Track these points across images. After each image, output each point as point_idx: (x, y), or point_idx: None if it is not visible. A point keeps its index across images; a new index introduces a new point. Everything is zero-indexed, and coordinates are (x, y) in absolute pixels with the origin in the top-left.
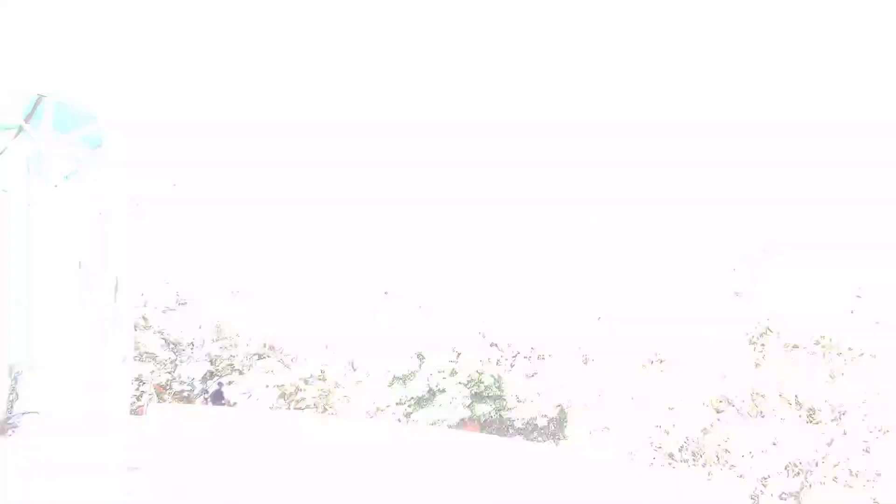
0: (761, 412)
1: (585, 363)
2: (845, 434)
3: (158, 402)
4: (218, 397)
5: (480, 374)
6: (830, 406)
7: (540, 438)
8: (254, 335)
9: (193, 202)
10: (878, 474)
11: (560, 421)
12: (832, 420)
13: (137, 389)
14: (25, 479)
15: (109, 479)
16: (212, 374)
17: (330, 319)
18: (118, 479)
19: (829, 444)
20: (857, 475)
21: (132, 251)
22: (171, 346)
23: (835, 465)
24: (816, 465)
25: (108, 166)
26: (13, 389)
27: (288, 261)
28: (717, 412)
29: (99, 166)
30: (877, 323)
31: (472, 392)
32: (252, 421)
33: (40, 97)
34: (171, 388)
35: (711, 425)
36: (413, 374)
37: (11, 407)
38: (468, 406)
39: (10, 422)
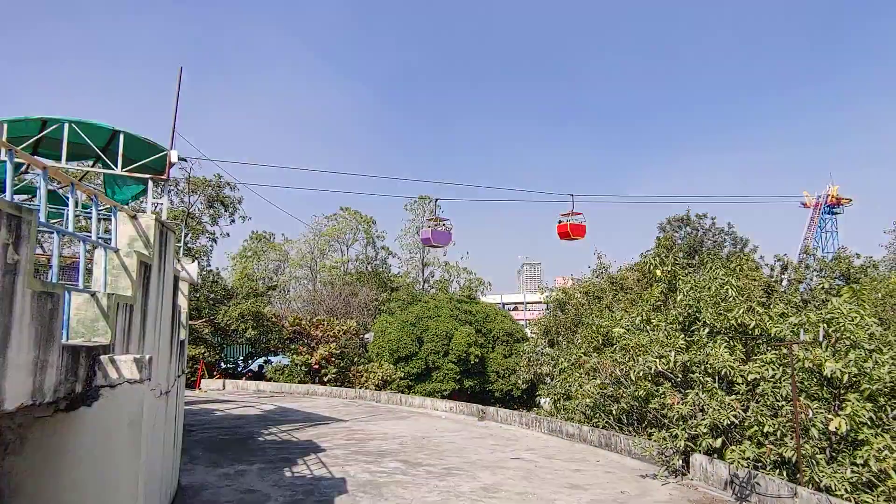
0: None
1: (552, 345)
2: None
3: (208, 377)
4: (258, 373)
5: (468, 354)
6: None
7: (516, 406)
8: (285, 324)
9: None
10: (784, 435)
11: (531, 392)
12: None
13: (192, 367)
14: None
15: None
16: (252, 355)
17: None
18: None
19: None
20: (767, 435)
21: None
22: (219, 332)
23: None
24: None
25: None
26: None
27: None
28: (656, 385)
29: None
30: None
31: (462, 369)
32: (290, 387)
33: (116, 131)
34: (219, 367)
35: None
36: (414, 354)
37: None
38: (458, 381)
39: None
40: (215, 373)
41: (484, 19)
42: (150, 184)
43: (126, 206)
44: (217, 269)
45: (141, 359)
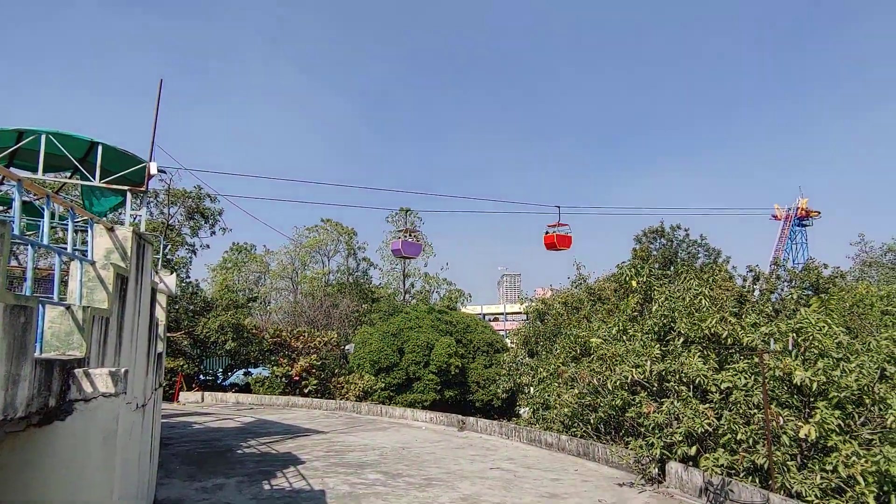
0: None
1: (532, 355)
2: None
3: (187, 390)
4: (238, 385)
5: (449, 364)
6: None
7: (496, 416)
8: (265, 335)
9: None
10: (756, 442)
11: (511, 402)
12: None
13: (170, 380)
14: None
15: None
16: (231, 367)
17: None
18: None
19: (718, 419)
20: (740, 443)
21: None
22: (198, 344)
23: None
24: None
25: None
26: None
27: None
28: (633, 394)
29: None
30: None
31: (442, 380)
32: (271, 399)
33: (94, 143)
34: (197, 379)
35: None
36: (395, 365)
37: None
38: (439, 391)
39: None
40: (194, 385)
41: (468, 34)
42: (129, 195)
43: (103, 218)
44: (196, 280)
45: (116, 372)
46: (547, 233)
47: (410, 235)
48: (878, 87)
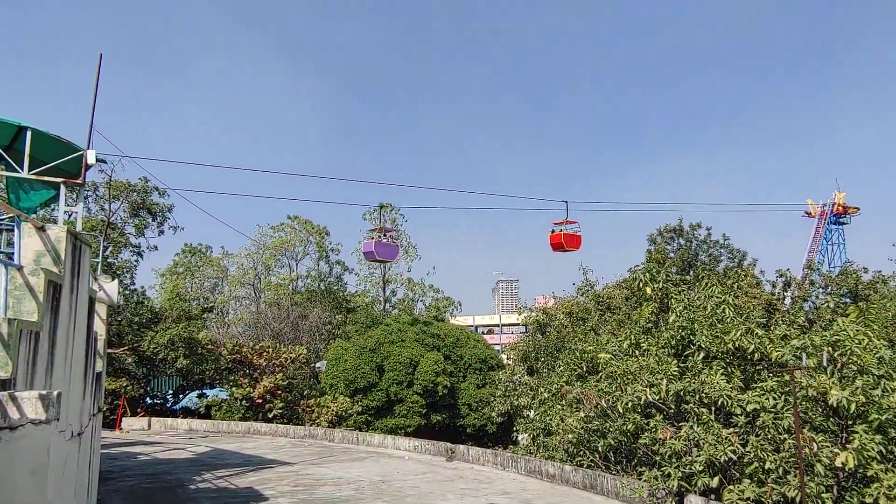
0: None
1: (532, 373)
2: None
3: (131, 415)
4: (189, 410)
5: (436, 384)
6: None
7: (490, 443)
8: (223, 351)
9: None
10: (787, 472)
11: (508, 427)
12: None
13: (111, 403)
14: None
15: None
16: (183, 388)
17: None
18: None
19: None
20: (768, 473)
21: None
22: (144, 362)
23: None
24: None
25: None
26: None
27: None
28: (647, 417)
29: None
30: None
31: (428, 402)
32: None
33: (22, 128)
34: (143, 403)
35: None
36: (374, 385)
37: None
38: (424, 415)
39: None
40: (140, 410)
41: (466, 13)
42: (63, 189)
43: (32, 216)
44: (143, 288)
45: (48, 395)
46: (553, 231)
47: (385, 235)
48: None
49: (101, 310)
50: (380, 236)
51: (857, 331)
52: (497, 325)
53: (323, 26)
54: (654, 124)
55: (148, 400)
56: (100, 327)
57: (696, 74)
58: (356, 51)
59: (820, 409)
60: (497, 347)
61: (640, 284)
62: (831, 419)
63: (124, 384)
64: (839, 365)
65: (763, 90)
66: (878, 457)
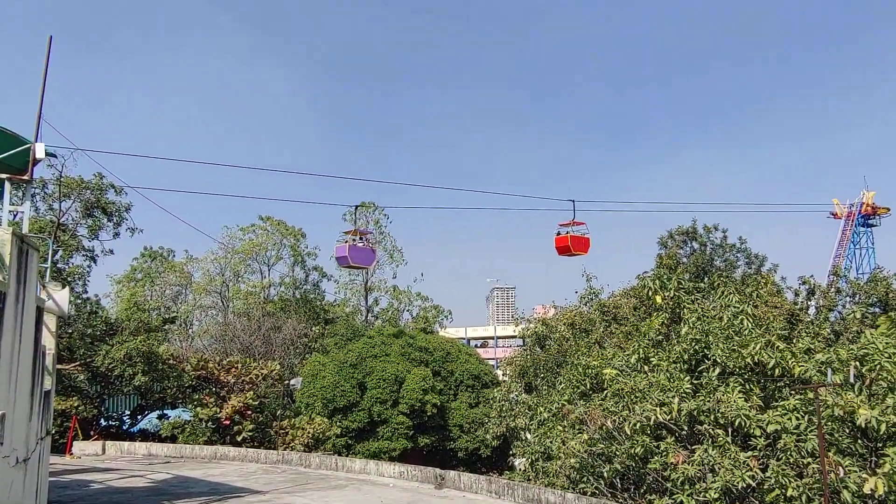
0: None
1: (530, 391)
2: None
3: (83, 439)
4: (149, 433)
5: (423, 403)
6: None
7: (484, 469)
8: (186, 367)
9: None
10: (811, 499)
11: (504, 451)
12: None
13: (61, 425)
14: None
15: None
16: (142, 408)
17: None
18: None
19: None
20: (790, 500)
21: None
22: (98, 379)
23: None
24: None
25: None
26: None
27: None
28: (657, 439)
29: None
30: None
31: (416, 423)
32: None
33: None
34: (97, 425)
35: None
36: (355, 404)
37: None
38: (411, 437)
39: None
40: (93, 432)
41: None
42: (7, 186)
43: None
44: (97, 296)
45: None
46: (559, 234)
47: (361, 239)
48: None
49: (49, 321)
50: (354, 239)
51: (888, 343)
52: (491, 338)
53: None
54: (663, 117)
55: (102, 422)
56: (49, 340)
57: (710, 61)
58: (339, 32)
59: (847, 430)
60: (492, 362)
61: (650, 293)
62: (859, 441)
63: (76, 404)
64: (868, 381)
65: (783, 78)
66: None
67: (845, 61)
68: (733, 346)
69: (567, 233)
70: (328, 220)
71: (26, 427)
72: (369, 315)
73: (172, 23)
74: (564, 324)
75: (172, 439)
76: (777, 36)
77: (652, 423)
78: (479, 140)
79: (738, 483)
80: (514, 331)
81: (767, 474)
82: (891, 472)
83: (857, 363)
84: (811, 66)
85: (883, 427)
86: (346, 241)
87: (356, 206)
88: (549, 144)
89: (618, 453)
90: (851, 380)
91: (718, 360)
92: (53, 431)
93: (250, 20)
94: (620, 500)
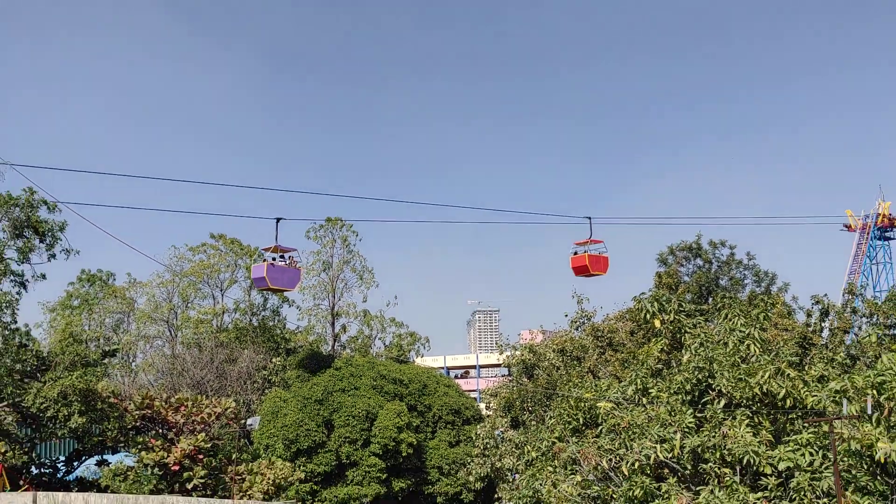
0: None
1: (517, 426)
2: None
3: (11, 489)
4: (86, 481)
5: (398, 442)
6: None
7: None
8: (129, 406)
9: None
10: None
11: (489, 494)
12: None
13: None
14: None
15: None
16: (79, 454)
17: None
18: None
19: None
20: None
21: None
22: (29, 420)
23: None
24: None
25: None
26: None
27: None
28: (658, 480)
29: None
30: None
31: (389, 464)
32: None
33: None
34: (27, 473)
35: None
36: (321, 445)
37: None
38: (384, 481)
39: None
40: (23, 482)
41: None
42: None
43: None
44: (27, 326)
45: None
46: (576, 253)
47: (283, 257)
48: None
49: None
50: (275, 257)
51: None
52: (473, 367)
53: None
54: (664, 129)
55: (34, 469)
56: None
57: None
58: (288, 23)
59: (865, 466)
60: (474, 394)
61: (648, 316)
62: (879, 478)
63: (3, 449)
64: (887, 411)
65: (792, 89)
66: None
67: (853, 68)
68: (740, 374)
69: (585, 252)
70: (290, 237)
71: None
72: (336, 344)
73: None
74: (554, 350)
75: (112, 489)
76: (775, 45)
77: (652, 461)
78: (456, 139)
79: None
80: (499, 359)
81: None
82: None
83: (875, 391)
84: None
85: None
86: (265, 260)
87: (277, 220)
88: (533, 157)
89: (615, 496)
90: (869, 410)
91: (724, 391)
92: None
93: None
94: None
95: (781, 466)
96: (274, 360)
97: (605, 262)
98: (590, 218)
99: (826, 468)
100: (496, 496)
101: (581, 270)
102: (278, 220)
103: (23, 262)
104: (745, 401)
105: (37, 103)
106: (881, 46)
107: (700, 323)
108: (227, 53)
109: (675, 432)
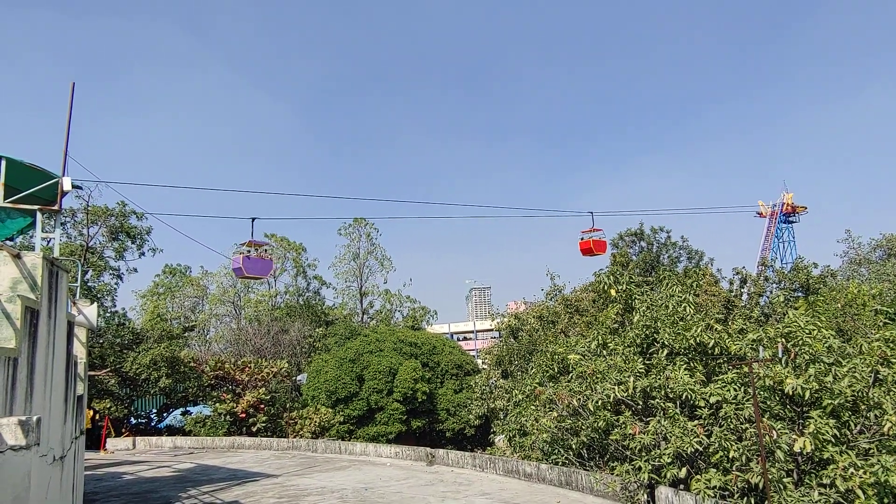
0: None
1: (506, 377)
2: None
3: (115, 436)
4: (173, 428)
5: (415, 391)
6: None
7: (469, 446)
8: (205, 368)
9: None
10: (750, 459)
11: (485, 429)
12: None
13: (96, 425)
14: None
15: None
16: (167, 407)
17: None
18: None
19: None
20: (732, 461)
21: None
22: (127, 382)
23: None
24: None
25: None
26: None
27: None
28: (616, 414)
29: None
30: None
31: (408, 408)
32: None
33: None
34: (128, 423)
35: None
36: (355, 394)
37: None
38: (404, 421)
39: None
40: (124, 430)
41: (415, 31)
42: (39, 216)
43: (8, 243)
44: (124, 309)
45: (27, 421)
46: (582, 238)
47: (256, 249)
48: (856, 75)
49: (80, 333)
50: (249, 251)
51: (808, 322)
52: (472, 332)
53: (308, 15)
54: (609, 126)
55: (132, 420)
56: (80, 351)
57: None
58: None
59: (777, 398)
60: (472, 353)
61: (606, 287)
62: (788, 407)
63: (108, 405)
64: (792, 355)
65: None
66: (832, 440)
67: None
68: (678, 330)
69: (590, 238)
70: (325, 233)
71: (61, 429)
72: (364, 316)
73: (175, 71)
74: (534, 317)
75: (194, 433)
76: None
77: (611, 399)
78: (443, 156)
79: (687, 448)
80: (491, 325)
81: (712, 440)
82: (815, 431)
83: (784, 340)
84: (729, 65)
85: (807, 394)
86: (241, 253)
87: (252, 219)
88: (504, 159)
89: (583, 427)
90: (779, 354)
91: (666, 343)
92: (86, 430)
93: (240, 65)
94: (587, 468)
95: (712, 400)
96: (317, 330)
97: (603, 245)
98: (592, 213)
99: (747, 400)
100: (491, 430)
101: (587, 251)
102: (253, 219)
103: (118, 260)
104: (682, 350)
105: (124, 129)
106: (781, 66)
107: (646, 291)
108: (279, 96)
109: (629, 376)
